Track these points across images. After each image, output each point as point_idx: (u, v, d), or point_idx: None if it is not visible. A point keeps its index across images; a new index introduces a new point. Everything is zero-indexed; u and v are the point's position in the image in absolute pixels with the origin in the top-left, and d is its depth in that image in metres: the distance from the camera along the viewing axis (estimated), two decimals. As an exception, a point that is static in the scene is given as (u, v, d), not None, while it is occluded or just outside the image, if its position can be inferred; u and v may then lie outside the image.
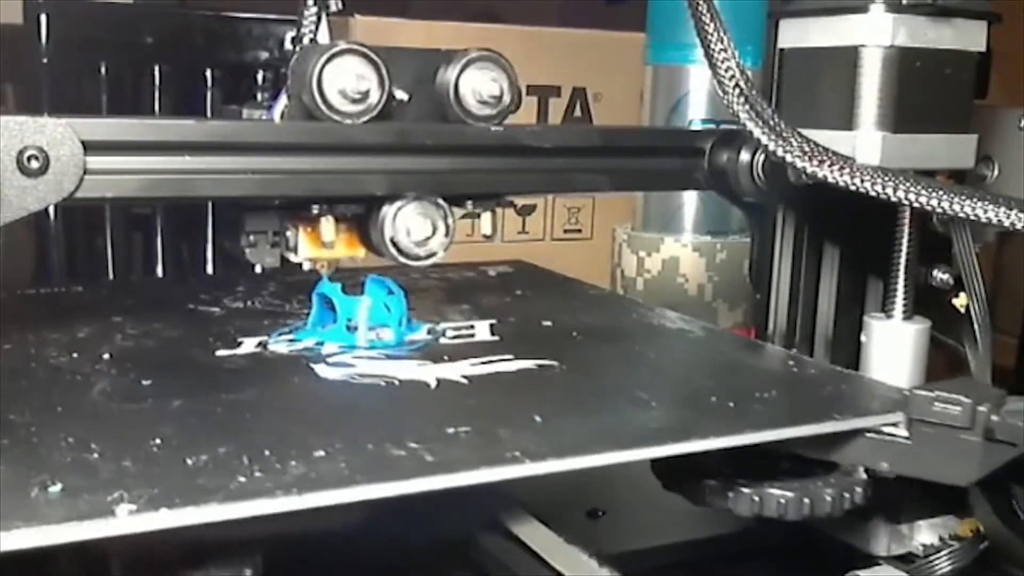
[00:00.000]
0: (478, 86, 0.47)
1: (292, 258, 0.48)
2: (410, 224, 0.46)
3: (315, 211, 0.45)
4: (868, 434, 0.42)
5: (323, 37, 0.47)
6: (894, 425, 0.42)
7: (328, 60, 0.44)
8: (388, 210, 0.46)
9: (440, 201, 0.47)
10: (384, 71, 0.45)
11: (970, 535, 0.47)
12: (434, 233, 0.47)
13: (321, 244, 0.46)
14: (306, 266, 0.48)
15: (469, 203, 0.48)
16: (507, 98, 0.48)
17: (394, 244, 0.46)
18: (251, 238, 0.47)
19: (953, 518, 0.49)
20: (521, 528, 0.44)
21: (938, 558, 0.46)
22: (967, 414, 0.40)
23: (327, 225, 0.46)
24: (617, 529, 0.52)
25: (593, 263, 0.91)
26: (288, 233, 0.47)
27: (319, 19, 0.47)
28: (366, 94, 0.44)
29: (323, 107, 0.44)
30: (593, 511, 0.52)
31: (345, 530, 0.43)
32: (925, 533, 0.49)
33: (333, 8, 0.47)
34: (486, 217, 0.49)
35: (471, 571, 0.45)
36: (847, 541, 0.49)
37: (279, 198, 0.46)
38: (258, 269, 0.56)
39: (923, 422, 0.41)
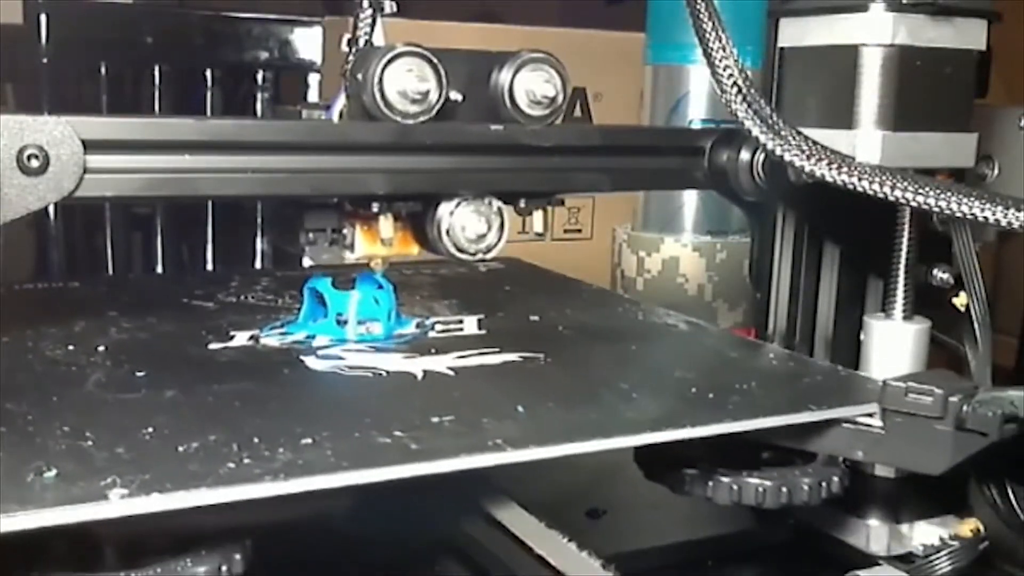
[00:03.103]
0: (533, 87, 0.48)
1: (348, 255, 0.49)
2: (466, 222, 0.47)
3: (375, 209, 0.46)
4: (844, 424, 0.43)
5: (378, 39, 0.48)
6: (869, 415, 0.42)
7: (389, 61, 0.45)
8: (444, 208, 0.47)
9: (493, 200, 0.48)
10: (443, 72, 0.45)
11: (970, 535, 0.47)
12: (489, 229, 0.48)
13: (378, 241, 0.47)
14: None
15: (522, 201, 0.49)
16: (560, 98, 0.48)
17: (452, 242, 0.47)
18: (310, 236, 0.48)
19: (953, 518, 0.49)
20: (522, 528, 0.44)
21: (938, 558, 0.46)
22: (939, 404, 0.41)
23: (386, 223, 0.47)
24: (617, 529, 0.52)
25: (593, 263, 0.91)
26: (345, 231, 0.48)
27: (374, 21, 0.48)
28: (426, 95, 0.45)
29: (383, 107, 0.45)
30: (593, 511, 0.52)
31: (338, 523, 0.43)
32: (925, 533, 0.49)
33: (387, 10, 0.48)
34: (538, 215, 0.50)
35: (472, 570, 0.45)
36: (847, 541, 0.49)
37: (283, 198, 0.46)
38: (306, 263, 0.56)
39: (896, 412, 0.42)
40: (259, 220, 1.15)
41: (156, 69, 1.08)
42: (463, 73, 0.47)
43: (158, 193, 0.42)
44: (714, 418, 0.40)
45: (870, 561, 0.47)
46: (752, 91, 0.47)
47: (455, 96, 0.47)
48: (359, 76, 0.45)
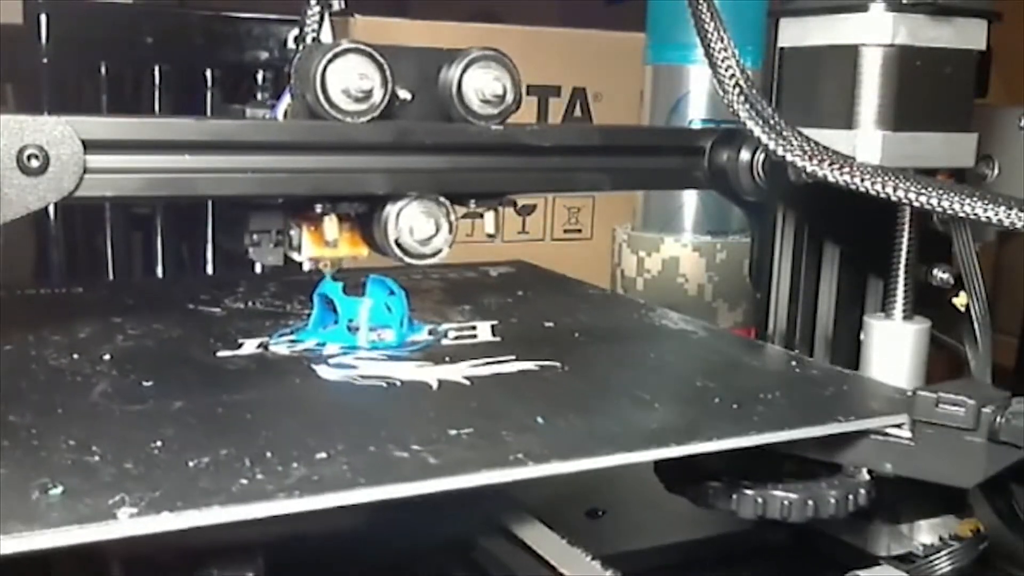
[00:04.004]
0: (481, 85, 0.47)
1: (295, 257, 0.48)
2: (413, 223, 0.46)
3: (319, 210, 0.45)
4: (872, 435, 0.42)
5: (326, 36, 0.47)
6: (898, 426, 0.42)
7: (331, 59, 0.44)
8: (391, 209, 0.46)
9: (442, 200, 0.47)
10: (387, 70, 0.45)
11: (970, 535, 0.47)
12: (437, 232, 0.47)
13: (324, 243, 0.46)
14: (307, 266, 0.48)
15: (472, 202, 0.48)
16: (510, 97, 0.47)
17: (397, 243, 0.46)
18: (255, 237, 0.47)
19: (953, 518, 0.49)
20: (521, 528, 0.44)
21: (938, 558, 0.46)
22: (971, 415, 0.40)
23: (330, 224, 0.46)
24: (617, 529, 0.51)
25: (593, 263, 0.91)
26: (292, 232, 0.48)
27: (322, 18, 0.47)
28: (369, 93, 0.45)
29: (326, 106, 0.44)
30: (593, 511, 0.52)
31: (346, 531, 0.43)
32: (925, 533, 0.48)
33: (336, 7, 0.47)
34: (489, 216, 0.49)
35: (471, 571, 0.45)
36: (847, 541, 0.49)
37: (281, 197, 0.46)
38: (258, 268, 0.55)
39: (927, 423, 0.41)
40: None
41: (156, 69, 1.08)
42: (412, 71, 0.46)
43: (158, 193, 0.42)
44: (740, 430, 0.39)
45: (870, 561, 0.47)
46: (753, 91, 0.47)
47: (404, 94, 0.46)
48: (303, 73, 0.44)
